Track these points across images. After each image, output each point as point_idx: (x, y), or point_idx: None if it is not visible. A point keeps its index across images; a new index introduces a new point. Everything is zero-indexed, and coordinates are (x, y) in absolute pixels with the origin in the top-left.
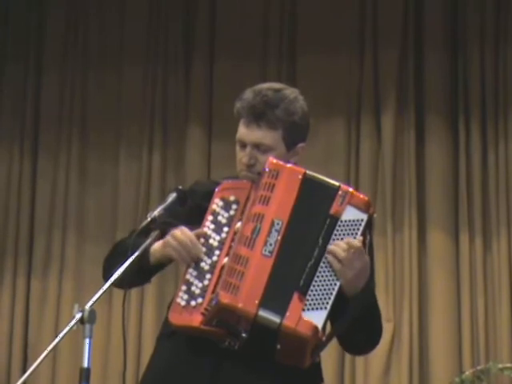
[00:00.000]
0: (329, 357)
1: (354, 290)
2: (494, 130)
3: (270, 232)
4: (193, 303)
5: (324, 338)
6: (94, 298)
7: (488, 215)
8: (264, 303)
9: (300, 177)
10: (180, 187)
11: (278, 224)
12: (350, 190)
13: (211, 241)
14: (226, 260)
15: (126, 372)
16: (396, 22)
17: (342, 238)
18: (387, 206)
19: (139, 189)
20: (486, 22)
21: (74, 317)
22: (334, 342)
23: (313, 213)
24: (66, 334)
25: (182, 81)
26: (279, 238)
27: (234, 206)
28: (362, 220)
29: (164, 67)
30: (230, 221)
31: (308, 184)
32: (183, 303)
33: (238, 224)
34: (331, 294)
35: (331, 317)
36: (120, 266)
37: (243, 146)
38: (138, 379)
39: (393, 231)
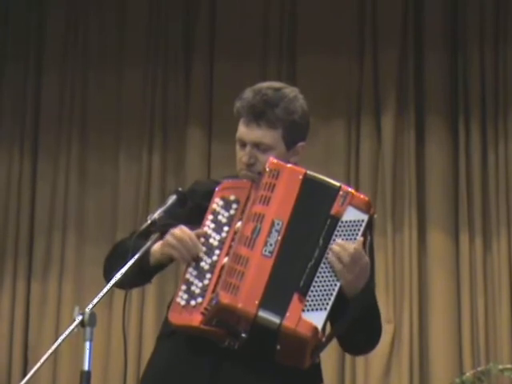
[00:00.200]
0: (329, 358)
1: (354, 291)
2: (493, 129)
3: (270, 232)
4: (193, 303)
5: (324, 339)
6: (95, 301)
7: (488, 215)
8: (264, 304)
9: (300, 177)
10: (180, 189)
11: (278, 224)
12: (351, 190)
13: (211, 240)
14: (226, 260)
15: (127, 375)
16: (396, 22)
17: (342, 239)
18: (387, 206)
19: (139, 190)
20: (485, 21)
21: (74, 320)
22: (334, 342)
23: (313, 213)
24: (66, 337)
25: (181, 81)
26: (279, 238)
27: (235, 206)
28: (363, 221)
29: (164, 68)
30: (231, 220)
31: (308, 184)
32: (183, 303)
33: (239, 224)
34: (331, 294)
35: (331, 317)
36: (120, 269)
37: (243, 145)
38: (139, 381)
39: (393, 231)
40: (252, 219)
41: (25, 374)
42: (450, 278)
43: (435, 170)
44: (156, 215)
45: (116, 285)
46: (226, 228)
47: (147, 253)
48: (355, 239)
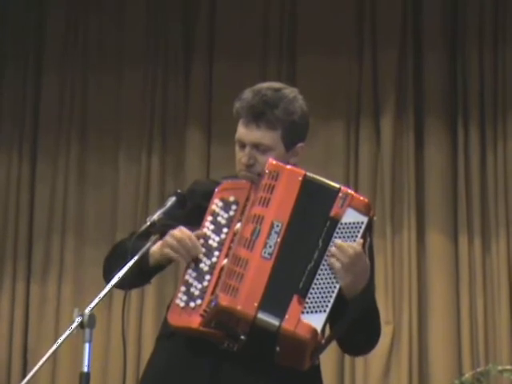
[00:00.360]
0: (328, 359)
1: (354, 293)
2: (492, 131)
3: (269, 234)
4: (192, 304)
5: (323, 341)
6: (94, 303)
7: (487, 216)
8: (263, 306)
9: (300, 178)
10: (179, 191)
11: (277, 226)
12: (351, 192)
13: (210, 241)
14: (225, 261)
15: (126, 376)
16: (395, 22)
17: (342, 241)
18: (386, 208)
19: (138, 192)
20: (485, 22)
21: (73, 321)
22: (334, 344)
23: (313, 215)
24: (65, 338)
25: (181, 82)
26: (279, 240)
27: (234, 207)
28: (363, 223)
29: (163, 69)
30: (230, 221)
31: (308, 186)
32: (182, 304)
33: (238, 225)
34: (331, 296)
35: (330, 319)
36: (120, 269)
37: (242, 146)
38: (138, 382)
39: (392, 233)
40: (251, 221)
41: (24, 376)
42: (449, 279)
43: (434, 172)
44: (155, 217)
45: (115, 285)
46: (225, 229)
47: (146, 253)
48: (355, 241)
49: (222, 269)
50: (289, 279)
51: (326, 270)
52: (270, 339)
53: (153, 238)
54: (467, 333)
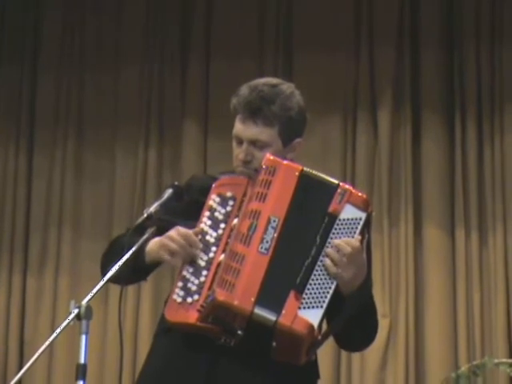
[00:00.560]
0: (325, 353)
1: (351, 289)
2: (489, 126)
3: (266, 229)
4: (189, 300)
5: (320, 337)
6: (90, 295)
7: (484, 211)
8: (260, 301)
9: (297, 173)
10: (176, 183)
11: (274, 221)
12: (349, 187)
13: (208, 237)
14: (222, 256)
15: (123, 368)
16: (392, 19)
17: (340, 237)
18: (383, 202)
19: (135, 186)
20: (481, 19)
21: (70, 313)
22: (331, 338)
23: (310, 210)
24: (62, 330)
25: (178, 78)
26: (275, 235)
27: (231, 202)
28: (361, 219)
29: (160, 65)
30: (227, 217)
31: (305, 181)
32: (179, 300)
33: (235, 220)
34: (328, 292)
35: (327, 315)
36: (116, 263)
37: (240, 142)
38: (135, 375)
39: (389, 227)
40: (248, 216)
41: (21, 368)
42: (445, 273)
43: (431, 166)
44: (152, 209)
45: (112, 280)
46: (222, 225)
47: (143, 251)
48: (353, 237)
49: (219, 264)
50: (286, 274)
51: (323, 266)
52: (267, 334)
53: (149, 230)
54: (463, 326)
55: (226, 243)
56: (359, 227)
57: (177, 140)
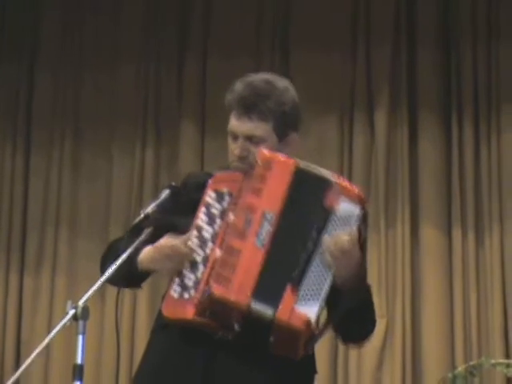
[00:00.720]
0: (321, 353)
1: (348, 284)
2: (486, 126)
3: (261, 223)
4: (186, 296)
5: (317, 331)
6: (87, 295)
7: (481, 211)
8: (256, 295)
9: (292, 168)
10: (173, 183)
11: (269, 215)
12: (345, 182)
13: (204, 233)
14: (218, 252)
15: (120, 368)
16: (388, 18)
17: (335, 231)
18: (380, 202)
19: (132, 185)
20: (478, 18)
21: (67, 313)
22: (327, 336)
23: (306, 204)
24: (59, 330)
25: (175, 77)
26: (271, 229)
27: (227, 198)
28: (356, 212)
29: (157, 64)
30: (223, 213)
31: (300, 175)
32: (176, 296)
33: (231, 216)
34: (324, 285)
35: (325, 310)
36: (113, 263)
37: (235, 137)
38: (132, 375)
39: (386, 227)
40: (244, 211)
41: (17, 368)
42: (442, 273)
43: (428, 166)
44: (149, 209)
45: (108, 281)
46: (218, 220)
47: (135, 260)
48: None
49: (215, 260)
50: (282, 269)
51: (319, 260)
52: (264, 329)
53: (146, 231)
54: (460, 326)
55: (223, 239)
56: (355, 221)
57: (174, 140)
